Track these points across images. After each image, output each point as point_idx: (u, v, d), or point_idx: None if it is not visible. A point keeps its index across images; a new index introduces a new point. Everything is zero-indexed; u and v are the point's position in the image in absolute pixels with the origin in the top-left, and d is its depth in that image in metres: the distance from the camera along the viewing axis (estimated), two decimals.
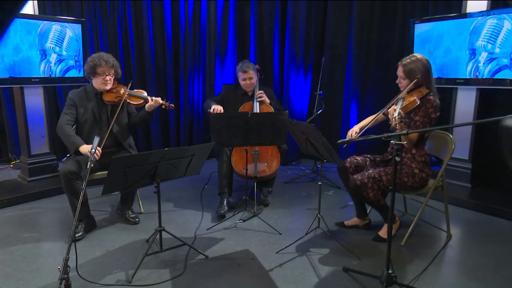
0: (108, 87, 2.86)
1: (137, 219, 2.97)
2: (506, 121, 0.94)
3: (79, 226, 2.71)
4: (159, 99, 2.92)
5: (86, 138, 2.79)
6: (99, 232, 2.83)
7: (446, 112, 3.87)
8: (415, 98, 2.44)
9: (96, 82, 2.86)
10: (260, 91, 3.46)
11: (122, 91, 2.90)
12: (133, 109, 3.08)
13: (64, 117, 2.80)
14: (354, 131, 2.68)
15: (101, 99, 2.88)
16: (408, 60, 2.52)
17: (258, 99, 3.44)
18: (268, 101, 3.49)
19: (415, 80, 2.43)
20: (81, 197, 2.00)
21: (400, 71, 2.56)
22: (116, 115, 2.80)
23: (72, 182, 2.62)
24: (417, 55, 2.58)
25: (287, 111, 3.12)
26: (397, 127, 2.21)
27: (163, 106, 2.95)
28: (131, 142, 3.07)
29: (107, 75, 2.82)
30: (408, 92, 2.52)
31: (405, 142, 2.33)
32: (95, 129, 2.86)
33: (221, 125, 2.82)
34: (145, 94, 2.98)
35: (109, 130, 2.77)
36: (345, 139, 1.95)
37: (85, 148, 2.67)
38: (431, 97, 2.49)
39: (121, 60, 4.79)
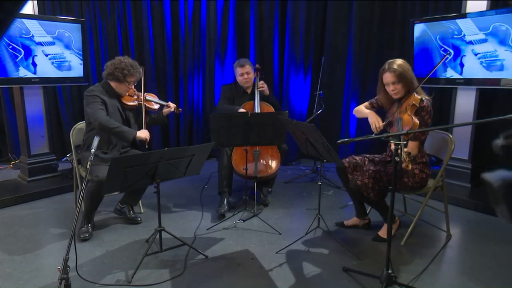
0: (128, 93, 2.96)
1: (139, 219, 2.98)
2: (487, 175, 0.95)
3: (85, 226, 2.72)
4: (174, 105, 3.12)
5: (110, 138, 2.84)
6: (99, 232, 2.83)
7: (446, 112, 3.87)
8: (414, 120, 2.39)
9: (119, 87, 2.89)
10: (261, 81, 3.51)
11: (140, 95, 3.00)
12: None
13: (101, 112, 2.77)
14: (379, 120, 2.59)
15: (120, 101, 2.94)
16: (395, 66, 2.49)
17: (259, 89, 3.48)
18: (268, 92, 3.54)
19: (413, 89, 2.44)
20: (81, 196, 2.00)
21: (390, 77, 2.50)
22: (145, 118, 2.94)
23: (103, 191, 2.55)
24: (397, 60, 2.54)
25: (286, 111, 3.12)
26: (409, 167, 2.07)
27: (175, 111, 3.15)
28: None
29: (132, 84, 2.92)
30: (400, 107, 2.49)
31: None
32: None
33: (221, 125, 2.83)
34: (156, 97, 3.15)
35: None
36: (345, 139, 1.95)
37: (143, 133, 2.82)
38: (424, 103, 2.47)
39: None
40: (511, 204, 0.89)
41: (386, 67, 2.53)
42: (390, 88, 2.54)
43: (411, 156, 2.12)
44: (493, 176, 0.91)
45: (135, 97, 3.00)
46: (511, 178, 0.88)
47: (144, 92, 3.03)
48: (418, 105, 2.45)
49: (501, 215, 0.92)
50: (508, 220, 0.90)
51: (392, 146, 2.26)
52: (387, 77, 2.52)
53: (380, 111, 2.73)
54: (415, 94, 2.50)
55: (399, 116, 2.48)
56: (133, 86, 2.96)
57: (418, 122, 2.42)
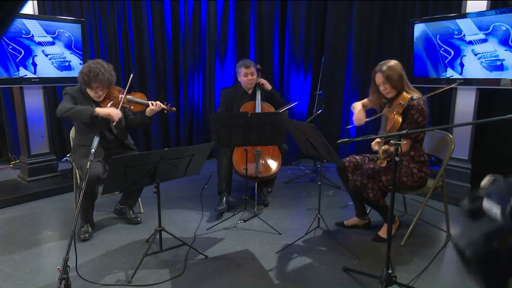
0: (101, 99, 2.81)
1: (139, 219, 2.97)
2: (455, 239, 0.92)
3: (85, 227, 2.72)
4: (160, 104, 2.87)
5: (86, 138, 2.78)
6: (99, 232, 2.83)
7: (446, 112, 3.87)
8: (396, 117, 2.43)
9: (90, 93, 2.80)
10: (261, 78, 3.52)
11: (119, 97, 2.83)
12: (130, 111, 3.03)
13: (63, 104, 2.72)
14: (363, 116, 2.70)
15: (98, 104, 2.84)
16: (384, 67, 2.54)
17: (260, 83, 3.50)
18: (269, 87, 3.54)
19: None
20: (80, 197, 2.00)
21: (380, 77, 2.56)
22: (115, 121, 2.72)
23: (95, 187, 2.59)
24: (389, 61, 2.58)
25: (286, 112, 3.12)
26: (383, 162, 2.18)
27: (165, 111, 2.93)
28: (131, 141, 3.06)
29: (100, 91, 2.77)
30: (389, 106, 2.53)
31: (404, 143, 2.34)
32: (95, 129, 2.78)
33: (221, 125, 2.82)
34: (144, 99, 2.91)
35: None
36: (345, 139, 1.95)
37: (102, 110, 2.66)
38: (415, 102, 2.47)
39: (121, 60, 4.79)
40: (486, 280, 0.85)
41: (377, 68, 2.59)
42: (381, 88, 2.60)
43: (403, 153, 2.20)
44: (462, 242, 0.87)
45: (113, 99, 2.84)
46: (480, 249, 0.83)
47: (127, 93, 2.84)
48: (406, 104, 2.47)
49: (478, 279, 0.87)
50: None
51: (375, 146, 2.38)
52: (378, 78, 2.59)
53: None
54: (404, 93, 2.52)
55: (386, 114, 2.52)
56: (101, 93, 2.78)
57: (400, 119, 2.45)
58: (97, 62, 2.78)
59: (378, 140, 2.45)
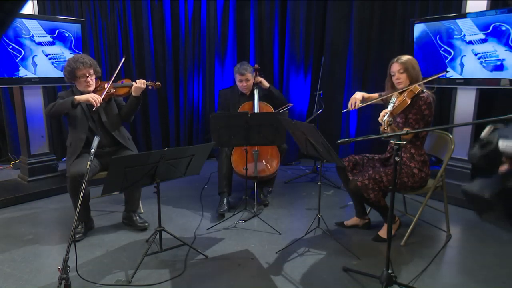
0: (92, 88, 2.81)
1: (146, 224, 2.87)
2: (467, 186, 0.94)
3: (80, 227, 2.71)
4: (144, 81, 2.84)
5: (76, 136, 2.78)
6: (99, 232, 2.82)
7: (446, 112, 3.86)
8: (405, 98, 2.49)
9: (80, 86, 2.80)
10: (258, 77, 3.52)
11: (105, 87, 2.82)
12: (122, 101, 3.02)
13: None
14: (357, 100, 2.82)
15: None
16: (403, 58, 2.60)
17: (257, 82, 3.50)
18: (267, 84, 3.53)
19: (415, 76, 2.56)
20: (80, 198, 2.00)
21: (397, 66, 2.60)
22: (96, 114, 2.74)
23: (80, 185, 2.58)
24: (407, 55, 2.66)
25: (286, 112, 3.13)
26: (386, 129, 2.25)
27: (150, 87, 2.91)
28: (127, 135, 3.00)
29: (88, 76, 2.77)
30: (400, 92, 2.56)
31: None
32: (85, 126, 2.79)
33: (221, 125, 2.83)
34: (130, 82, 2.90)
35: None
36: (345, 139, 1.95)
37: (82, 96, 2.68)
38: (424, 94, 2.52)
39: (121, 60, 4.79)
40: (509, 208, 0.87)
41: (395, 59, 2.64)
42: (395, 77, 2.63)
43: (392, 122, 2.31)
44: (477, 187, 0.89)
45: (101, 90, 2.82)
46: (498, 185, 0.86)
47: (114, 82, 2.84)
48: (416, 93, 2.51)
49: (494, 221, 0.90)
50: (504, 225, 0.89)
51: (383, 112, 2.47)
52: (394, 67, 2.62)
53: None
54: (416, 85, 2.56)
55: (395, 98, 2.55)
56: (90, 79, 2.77)
57: (408, 101, 2.49)
58: (76, 55, 2.85)
59: (386, 110, 2.47)
